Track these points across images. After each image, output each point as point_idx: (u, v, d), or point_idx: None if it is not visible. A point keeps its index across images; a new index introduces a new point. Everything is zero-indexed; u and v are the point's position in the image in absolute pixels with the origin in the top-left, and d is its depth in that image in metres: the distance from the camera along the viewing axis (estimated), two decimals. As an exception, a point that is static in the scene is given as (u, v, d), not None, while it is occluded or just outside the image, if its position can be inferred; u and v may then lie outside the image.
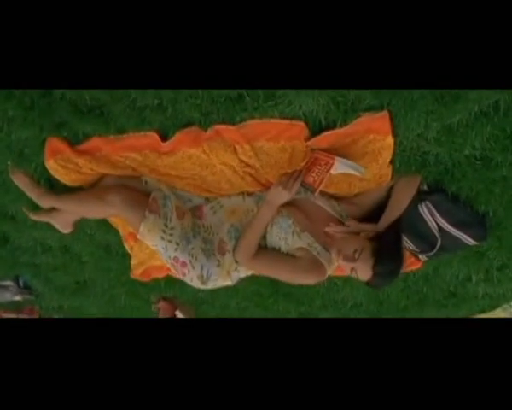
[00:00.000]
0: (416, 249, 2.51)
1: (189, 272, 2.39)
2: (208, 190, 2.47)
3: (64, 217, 2.65)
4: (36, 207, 2.62)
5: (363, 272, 2.18)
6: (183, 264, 2.37)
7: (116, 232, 2.77)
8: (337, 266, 2.43)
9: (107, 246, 2.89)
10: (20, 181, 2.52)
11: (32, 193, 2.52)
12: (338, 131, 2.15)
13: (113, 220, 2.71)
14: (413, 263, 2.69)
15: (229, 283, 2.46)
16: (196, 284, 2.43)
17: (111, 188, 2.37)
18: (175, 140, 2.26)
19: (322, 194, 2.41)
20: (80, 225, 2.74)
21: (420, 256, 2.57)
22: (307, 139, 2.19)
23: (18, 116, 2.26)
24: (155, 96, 2.13)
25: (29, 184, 2.51)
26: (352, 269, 2.20)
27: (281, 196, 2.18)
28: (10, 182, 2.56)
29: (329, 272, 2.36)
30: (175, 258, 2.36)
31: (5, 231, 2.90)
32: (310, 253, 2.30)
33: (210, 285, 2.44)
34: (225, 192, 2.46)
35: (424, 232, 2.43)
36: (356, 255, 2.18)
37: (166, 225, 2.32)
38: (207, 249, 2.41)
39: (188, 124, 2.22)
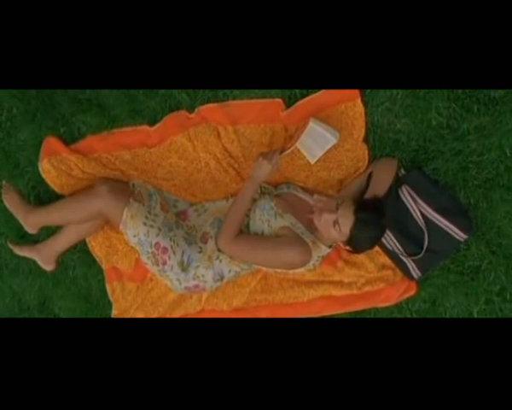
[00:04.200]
0: (404, 252, 2.43)
1: (169, 258, 2.33)
2: (193, 195, 2.53)
3: (47, 250, 2.64)
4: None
5: (346, 221, 2.11)
6: (164, 250, 2.33)
7: (99, 272, 2.70)
8: (326, 256, 2.37)
9: (88, 296, 2.76)
10: (11, 200, 2.59)
11: (20, 212, 2.57)
12: (312, 97, 2.36)
13: (97, 253, 2.67)
14: (408, 289, 2.54)
15: (210, 274, 2.35)
16: (176, 272, 2.35)
17: (98, 182, 2.45)
18: (163, 125, 2.45)
19: (305, 190, 2.47)
20: (63, 265, 2.70)
21: (409, 266, 2.47)
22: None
23: (21, 112, 2.48)
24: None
25: (18, 202, 2.58)
26: (335, 223, 2.14)
27: (261, 167, 2.23)
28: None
29: (314, 256, 2.28)
30: (156, 244, 2.32)
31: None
32: (293, 231, 2.27)
33: (191, 273, 2.35)
34: (210, 196, 2.52)
35: (410, 226, 2.40)
36: (338, 207, 2.16)
37: (150, 212, 2.35)
38: (189, 239, 2.39)
39: (177, 107, 2.43)
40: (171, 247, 2.33)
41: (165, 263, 2.34)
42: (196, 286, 2.41)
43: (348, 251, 2.34)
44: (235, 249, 2.30)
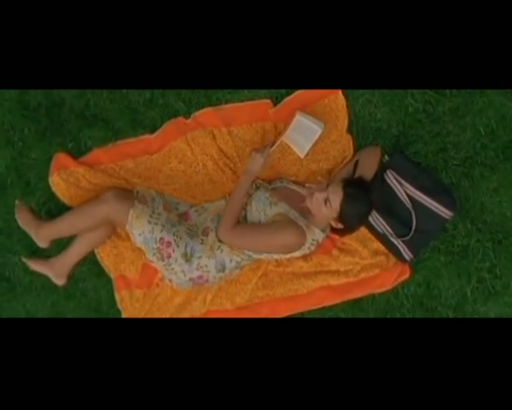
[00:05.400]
0: (394, 234, 2.57)
1: (173, 251, 2.49)
2: (193, 196, 2.71)
3: (59, 264, 2.79)
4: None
5: (335, 196, 2.28)
6: (169, 244, 2.49)
7: (108, 282, 2.84)
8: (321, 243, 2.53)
9: (98, 307, 2.88)
10: (23, 218, 2.76)
11: (32, 228, 2.73)
12: (296, 94, 2.59)
13: (105, 263, 2.81)
14: (402, 273, 2.67)
15: (212, 264, 2.50)
16: (181, 263, 2.50)
17: (104, 191, 2.63)
18: (162, 132, 2.66)
19: (297, 183, 2.65)
20: (74, 279, 2.85)
21: (401, 249, 2.59)
22: (272, 110, 2.60)
23: (32, 132, 2.71)
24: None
25: (30, 219, 2.75)
26: (326, 200, 2.30)
27: (255, 160, 2.42)
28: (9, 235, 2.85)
29: (309, 239, 2.43)
30: (161, 239, 2.48)
31: (0, 299, 2.95)
32: (287, 216, 2.43)
33: (194, 264, 2.51)
34: (209, 197, 2.70)
35: (398, 208, 2.55)
36: (327, 186, 2.33)
37: (153, 212, 2.53)
38: (191, 233, 2.56)
39: (174, 115, 2.65)
40: (175, 241, 2.49)
41: (169, 256, 2.49)
42: (200, 277, 2.54)
43: (339, 233, 2.48)
44: (234, 238, 2.46)
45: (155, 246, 2.49)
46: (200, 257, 2.50)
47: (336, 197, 2.28)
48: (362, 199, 2.32)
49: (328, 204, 2.30)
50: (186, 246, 2.50)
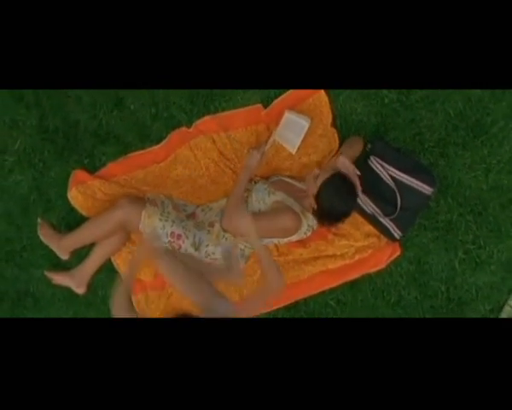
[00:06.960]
0: (381, 213, 2.82)
1: (183, 242, 2.75)
2: (199, 198, 2.99)
3: (79, 274, 3.04)
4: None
5: (323, 175, 2.59)
6: (179, 236, 2.75)
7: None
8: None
9: (117, 312, 3.11)
10: (46, 234, 3.04)
11: (54, 241, 3.01)
12: (284, 97, 2.92)
13: (122, 269, 3.05)
14: (393, 251, 2.91)
15: (218, 251, 2.76)
16: (191, 252, 2.76)
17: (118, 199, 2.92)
18: (168, 142, 2.98)
19: (292, 178, 2.93)
20: (93, 287, 3.09)
21: (390, 228, 2.84)
22: (264, 113, 2.93)
23: (51, 152, 3.03)
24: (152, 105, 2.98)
25: (52, 234, 3.03)
26: (315, 177, 2.61)
27: (252, 156, 2.76)
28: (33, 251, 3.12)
29: (305, 225, 2.69)
30: (172, 233, 2.74)
31: (25, 314, 3.17)
32: (284, 203, 2.71)
33: (203, 252, 2.76)
34: (213, 197, 2.97)
35: (383, 190, 2.82)
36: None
37: (164, 211, 2.80)
38: (199, 226, 2.82)
39: (178, 125, 2.98)
40: (184, 233, 2.75)
41: (180, 247, 2.75)
42: (209, 265, 2.78)
43: (319, 221, 2.73)
44: (236, 225, 2.71)
45: (167, 240, 2.75)
46: (207, 246, 2.76)
47: (323, 176, 2.57)
48: (341, 191, 2.59)
49: (315, 180, 2.59)
50: (194, 236, 2.76)
